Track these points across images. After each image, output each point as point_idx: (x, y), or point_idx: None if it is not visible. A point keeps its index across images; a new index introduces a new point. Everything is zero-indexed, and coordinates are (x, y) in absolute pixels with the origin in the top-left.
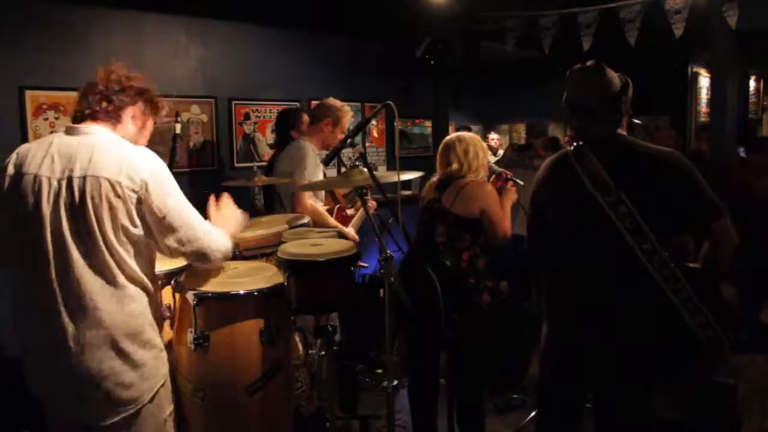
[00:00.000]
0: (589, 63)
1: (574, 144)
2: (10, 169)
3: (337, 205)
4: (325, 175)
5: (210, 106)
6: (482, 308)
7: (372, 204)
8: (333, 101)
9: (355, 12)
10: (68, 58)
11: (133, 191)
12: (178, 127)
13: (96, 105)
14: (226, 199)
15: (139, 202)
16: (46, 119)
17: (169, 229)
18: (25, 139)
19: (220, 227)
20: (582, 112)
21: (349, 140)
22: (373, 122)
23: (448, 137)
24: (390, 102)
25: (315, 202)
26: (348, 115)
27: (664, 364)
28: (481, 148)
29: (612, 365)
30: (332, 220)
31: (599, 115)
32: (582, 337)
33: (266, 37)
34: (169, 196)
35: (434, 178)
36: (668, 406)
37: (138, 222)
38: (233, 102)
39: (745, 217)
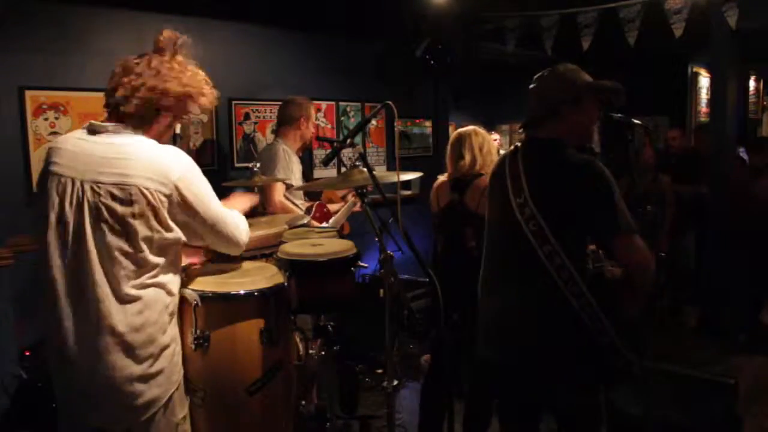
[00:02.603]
0: (553, 66)
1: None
2: (42, 166)
3: (317, 202)
4: (304, 176)
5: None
6: None
7: (355, 200)
8: (302, 98)
9: (355, 12)
10: (68, 58)
11: (165, 195)
12: (178, 127)
13: (130, 109)
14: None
15: (171, 204)
16: (46, 119)
17: (204, 225)
18: (25, 139)
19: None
20: (527, 114)
21: (349, 140)
22: (373, 122)
23: (461, 129)
24: (390, 102)
25: (286, 200)
26: (312, 105)
27: (573, 363)
28: (492, 144)
29: (518, 362)
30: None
31: (534, 118)
32: (498, 334)
33: (266, 37)
34: (201, 194)
35: (443, 178)
36: (666, 406)
37: (173, 225)
38: (233, 102)
39: (745, 218)
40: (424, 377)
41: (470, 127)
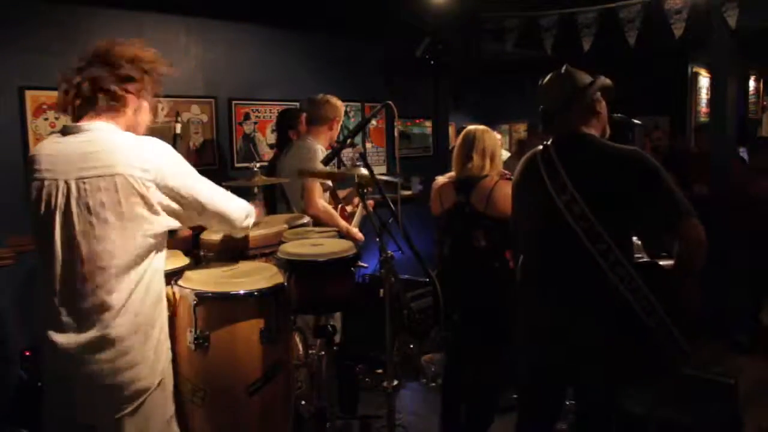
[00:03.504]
0: (557, 69)
1: (543, 143)
2: (29, 174)
3: (339, 205)
4: None
5: (210, 106)
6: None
7: (370, 203)
8: (336, 100)
9: (355, 12)
10: (68, 58)
11: (149, 180)
12: (178, 127)
13: (94, 100)
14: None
15: (159, 188)
16: (46, 119)
17: (195, 205)
18: (25, 139)
19: None
20: (545, 115)
21: (349, 140)
22: (373, 122)
23: (471, 128)
24: (390, 102)
25: (327, 204)
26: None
27: (625, 358)
28: (500, 146)
29: (574, 361)
30: (342, 221)
31: (559, 115)
32: (546, 332)
33: (266, 37)
34: (184, 175)
35: (444, 179)
36: (667, 406)
37: (160, 211)
38: (233, 102)
39: (744, 218)
40: (442, 377)
41: (480, 127)
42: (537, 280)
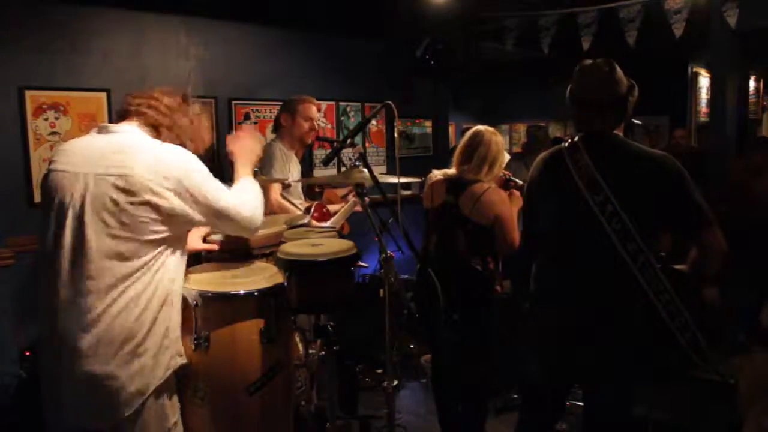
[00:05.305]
0: (600, 60)
1: (569, 140)
2: (49, 167)
3: (316, 202)
4: (304, 176)
5: (210, 106)
6: (498, 305)
7: (356, 201)
8: (300, 100)
9: (355, 12)
10: (68, 58)
11: (168, 189)
12: None
13: (141, 113)
14: (244, 130)
15: (178, 196)
16: (46, 119)
17: (214, 212)
18: (25, 139)
19: (240, 158)
20: (587, 106)
21: (349, 140)
22: (373, 122)
23: (480, 129)
24: (390, 102)
25: (283, 199)
26: (304, 102)
27: (644, 360)
28: (504, 151)
29: (594, 361)
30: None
31: (603, 112)
32: (566, 333)
33: (266, 37)
34: (205, 184)
35: (439, 174)
36: (667, 407)
37: (171, 220)
38: (233, 102)
39: (744, 217)
40: (431, 378)
41: (490, 130)
42: (560, 279)
